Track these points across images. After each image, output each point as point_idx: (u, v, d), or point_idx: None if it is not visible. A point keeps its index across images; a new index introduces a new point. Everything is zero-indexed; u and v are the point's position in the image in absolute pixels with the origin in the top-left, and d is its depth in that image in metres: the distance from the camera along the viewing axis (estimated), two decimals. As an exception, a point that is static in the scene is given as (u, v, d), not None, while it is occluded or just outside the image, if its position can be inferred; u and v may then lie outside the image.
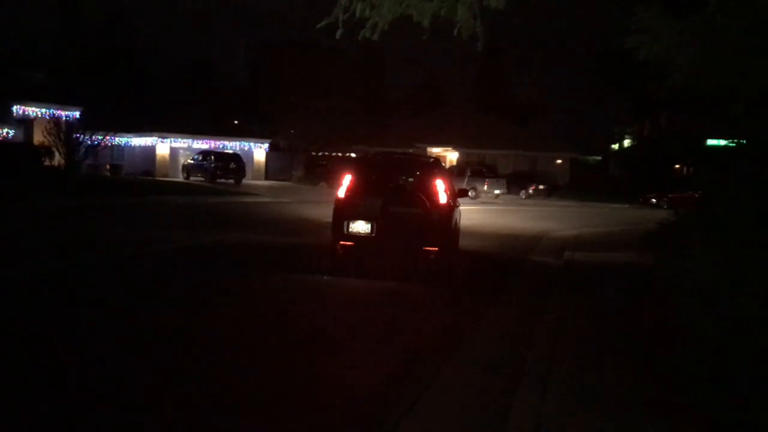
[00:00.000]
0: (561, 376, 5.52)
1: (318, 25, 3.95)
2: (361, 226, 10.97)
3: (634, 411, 4.84)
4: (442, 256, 10.85)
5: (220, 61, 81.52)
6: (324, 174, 45.07)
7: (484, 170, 43.95)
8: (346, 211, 11.10)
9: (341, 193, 11.24)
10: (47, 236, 14.40)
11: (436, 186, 11.09)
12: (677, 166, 52.10)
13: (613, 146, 64.96)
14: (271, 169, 48.66)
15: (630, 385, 5.37)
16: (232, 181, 39.30)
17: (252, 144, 47.72)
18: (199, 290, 8.94)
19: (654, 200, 40.69)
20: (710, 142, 40.64)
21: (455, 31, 3.96)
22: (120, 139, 41.77)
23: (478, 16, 3.91)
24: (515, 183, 44.35)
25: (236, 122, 51.07)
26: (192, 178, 40.64)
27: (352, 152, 53.87)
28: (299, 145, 50.57)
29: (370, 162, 12.95)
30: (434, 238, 10.77)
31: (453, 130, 52.62)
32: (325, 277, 10.37)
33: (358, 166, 12.12)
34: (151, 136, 44.07)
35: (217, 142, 45.46)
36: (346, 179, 11.34)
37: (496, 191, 41.31)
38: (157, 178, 40.14)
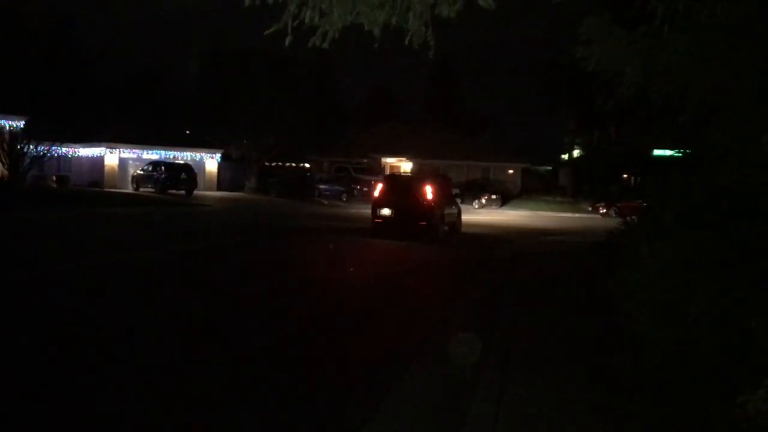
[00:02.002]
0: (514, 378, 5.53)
1: (266, 32, 3.87)
2: (386, 211, 20.77)
3: (584, 417, 4.86)
4: (428, 228, 20.37)
5: (171, 70, 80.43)
6: (276, 185, 44.70)
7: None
8: (379, 203, 21.06)
9: (376, 193, 21.70)
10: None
11: (425, 190, 20.81)
12: (625, 175, 53.24)
13: (563, 156, 66.01)
14: (223, 180, 48.06)
15: (580, 391, 5.41)
16: (183, 192, 38.64)
17: (204, 154, 47.08)
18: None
19: (603, 209, 41.53)
20: (657, 152, 41.61)
21: (407, 40, 3.93)
22: (67, 150, 40.76)
23: (429, 25, 3.89)
24: (468, 192, 44.75)
25: (187, 132, 50.34)
26: (141, 189, 39.86)
27: (306, 162, 53.66)
28: (252, 156, 50.08)
29: (390, 178, 25.69)
30: (423, 217, 20.44)
31: (407, 141, 52.89)
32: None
33: (385, 180, 23.00)
34: (99, 146, 43.10)
35: (168, 153, 44.71)
36: (378, 187, 21.95)
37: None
38: (106, 189, 39.28)
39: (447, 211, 21.96)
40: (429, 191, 20.57)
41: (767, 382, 3.68)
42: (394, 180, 24.01)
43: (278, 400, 5.42)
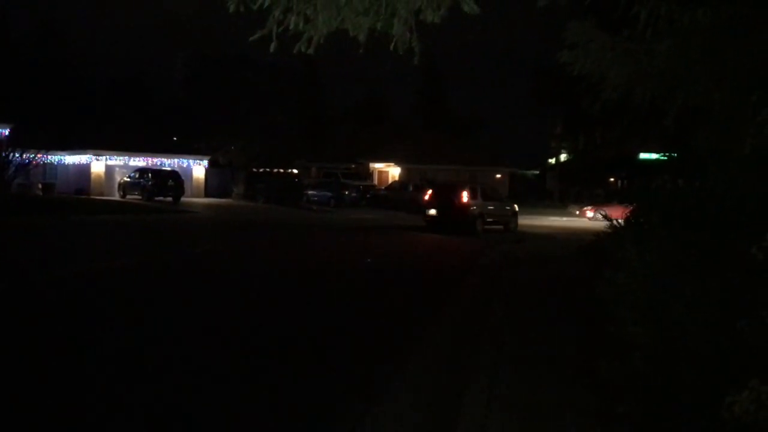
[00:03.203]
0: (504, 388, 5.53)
1: (251, 38, 3.86)
2: (433, 211, 26.66)
3: (573, 419, 4.87)
4: (465, 224, 25.39)
5: (158, 76, 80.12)
6: (264, 191, 44.50)
7: (426, 185, 44.21)
8: (427, 205, 27.12)
9: (426, 197, 27.74)
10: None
11: (462, 194, 26.05)
12: (612, 179, 53.51)
13: (549, 160, 66.30)
14: (210, 186, 47.83)
15: (570, 393, 5.41)
16: (170, 198, 38.45)
17: (191, 161, 46.86)
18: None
19: (590, 212, 41.68)
20: (643, 155, 41.87)
21: (391, 46, 3.93)
22: (53, 157, 40.47)
23: (413, 31, 3.90)
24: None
25: (174, 139, 50.13)
26: (128, 197, 39.64)
27: (294, 168, 53.55)
28: (239, 162, 49.89)
29: (437, 186, 30.18)
30: (460, 216, 25.67)
31: (395, 146, 52.86)
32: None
33: (433, 187, 29.38)
34: (85, 153, 42.84)
35: (155, 160, 44.49)
36: (428, 192, 28.19)
37: (438, 205, 41.66)
38: (92, 197, 39.01)
39: (494, 211, 27.36)
40: (465, 195, 25.99)
41: (753, 383, 3.70)
42: (440, 187, 29.43)
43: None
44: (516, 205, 30.31)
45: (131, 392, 5.64)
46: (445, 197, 26.51)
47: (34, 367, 6.22)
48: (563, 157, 60.86)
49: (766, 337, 4.16)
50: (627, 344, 5.71)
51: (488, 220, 27.00)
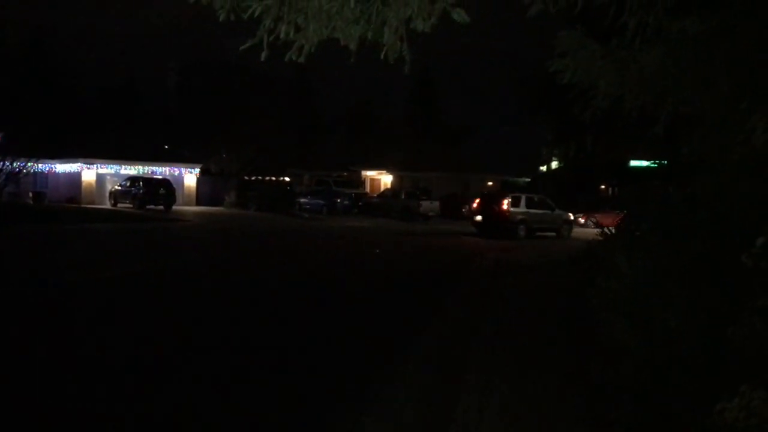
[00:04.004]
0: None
1: (242, 47, 3.87)
2: (479, 217, 29.62)
3: (567, 425, 4.87)
4: (505, 230, 27.86)
5: (149, 84, 79.87)
6: (256, 199, 44.38)
7: (418, 193, 44.24)
8: (475, 212, 30.26)
9: (474, 205, 30.89)
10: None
11: (503, 202, 28.73)
12: (603, 186, 53.68)
13: (541, 168, 66.42)
14: (202, 195, 47.67)
15: (562, 399, 5.42)
16: (161, 207, 38.32)
17: (182, 169, 46.72)
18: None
19: (581, 220, 41.81)
20: (633, 162, 42.05)
21: (382, 54, 3.94)
22: (43, 166, 40.31)
23: (404, 39, 3.91)
24: (447, 205, 44.74)
25: (166, 147, 50.00)
26: (120, 205, 39.49)
27: (286, 176, 53.54)
28: (231, 170, 49.79)
29: (484, 195, 32.01)
30: (502, 222, 28.31)
31: (387, 153, 52.91)
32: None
33: (480, 196, 31.39)
34: (76, 161, 42.67)
35: (146, 168, 44.37)
36: (476, 201, 31.05)
37: (430, 213, 41.70)
38: (83, 205, 38.84)
39: (542, 219, 29.57)
40: (506, 203, 28.70)
41: (743, 389, 3.72)
42: (486, 195, 32.18)
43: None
44: (570, 215, 31.74)
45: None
46: (489, 205, 29.39)
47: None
48: (555, 164, 60.96)
49: (755, 343, 4.18)
50: (619, 350, 5.73)
51: (535, 227, 29.22)
